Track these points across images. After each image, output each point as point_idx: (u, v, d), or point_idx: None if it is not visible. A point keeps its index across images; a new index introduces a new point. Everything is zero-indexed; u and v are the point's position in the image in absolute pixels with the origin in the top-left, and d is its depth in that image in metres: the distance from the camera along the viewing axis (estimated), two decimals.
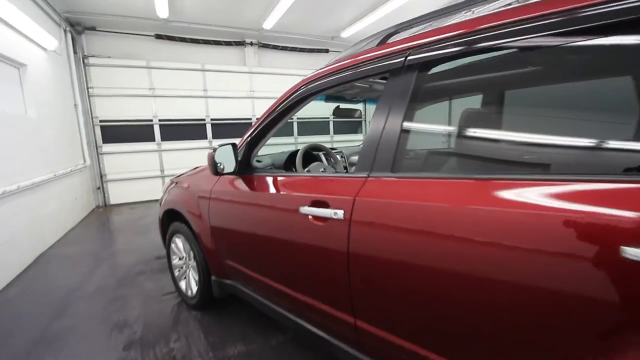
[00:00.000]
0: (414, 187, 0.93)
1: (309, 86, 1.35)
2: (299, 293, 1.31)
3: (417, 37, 1.00)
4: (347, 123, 7.64)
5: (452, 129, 1.02)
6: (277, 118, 1.48)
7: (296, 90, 1.39)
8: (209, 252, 1.82)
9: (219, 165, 1.43)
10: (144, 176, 5.71)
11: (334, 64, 1.28)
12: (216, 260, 1.79)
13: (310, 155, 2.09)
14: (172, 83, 5.74)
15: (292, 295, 1.34)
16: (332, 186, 1.16)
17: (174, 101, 5.79)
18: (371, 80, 1.71)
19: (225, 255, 1.72)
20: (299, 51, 6.89)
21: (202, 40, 5.95)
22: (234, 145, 1.51)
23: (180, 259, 2.19)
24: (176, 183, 2.17)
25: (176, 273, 2.26)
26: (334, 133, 7.48)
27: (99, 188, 5.53)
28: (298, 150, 1.96)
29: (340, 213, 1.05)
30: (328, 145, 2.24)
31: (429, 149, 1.12)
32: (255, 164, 1.77)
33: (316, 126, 7.25)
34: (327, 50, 7.12)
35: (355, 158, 2.45)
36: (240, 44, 6.30)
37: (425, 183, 0.92)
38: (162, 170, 5.86)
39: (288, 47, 6.75)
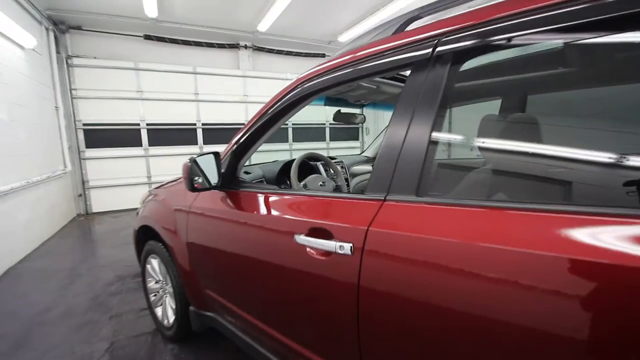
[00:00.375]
0: (449, 217, 0.69)
1: (306, 85, 1.11)
2: (292, 340, 1.06)
3: (451, 21, 0.77)
4: (345, 129, 7.43)
5: (501, 141, 0.78)
6: (269, 123, 1.24)
7: (291, 91, 1.15)
8: (186, 279, 1.56)
9: (196, 179, 1.18)
10: (129, 183, 5.40)
11: (336, 59, 1.05)
12: (195, 288, 1.53)
13: (307, 165, 1.85)
14: (161, 86, 5.47)
15: (284, 342, 1.08)
16: (336, 210, 0.92)
17: (163, 105, 5.52)
18: (379, 80, 1.49)
19: (205, 284, 1.46)
20: (294, 55, 6.69)
21: (193, 42, 5.71)
22: (216, 154, 1.26)
23: (156, 282, 1.92)
24: (154, 195, 1.90)
25: (152, 298, 1.98)
26: (331, 140, 7.25)
27: (80, 195, 5.21)
28: (293, 160, 1.71)
29: (347, 247, 0.81)
30: (324, 153, 2.00)
31: (469, 167, 0.87)
32: (242, 176, 1.53)
33: (312, 132, 7.02)
34: (323, 55, 6.92)
35: (357, 168, 2.21)
36: (234, 46, 6.08)
37: (464, 213, 0.67)
38: (149, 177, 5.56)
39: (283, 50, 6.55)
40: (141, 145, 5.45)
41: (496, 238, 0.60)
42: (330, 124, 7.12)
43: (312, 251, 0.91)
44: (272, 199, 1.14)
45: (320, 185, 1.55)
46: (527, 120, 0.77)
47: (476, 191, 0.80)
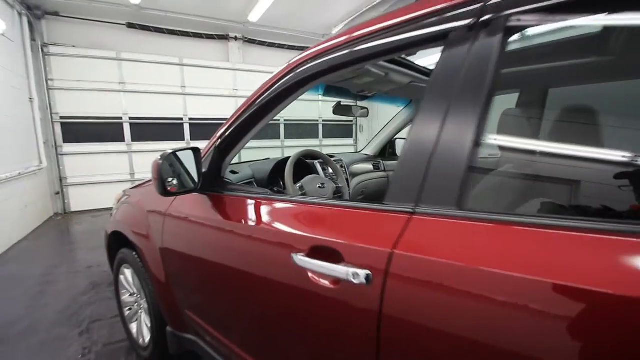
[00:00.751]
0: (509, 239, 0.50)
1: (306, 67, 0.90)
2: None
3: None
4: (338, 126, 7.23)
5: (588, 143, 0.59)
6: (260, 113, 1.03)
7: (286, 74, 0.95)
8: (162, 293, 1.34)
9: (169, 180, 0.96)
10: (110, 180, 5.10)
11: (345, 34, 0.85)
12: (171, 305, 1.31)
13: (302, 164, 1.65)
14: (145, 77, 5.17)
15: None
16: (346, 223, 0.72)
17: (147, 97, 5.22)
18: (388, 66, 1.28)
19: (184, 302, 1.24)
20: (287, 48, 6.44)
21: (180, 31, 5.42)
22: (196, 150, 1.05)
23: (131, 294, 1.70)
24: (128, 196, 1.68)
25: (126, 312, 1.75)
26: (324, 137, 7.05)
27: (57, 193, 4.89)
28: (287, 158, 1.51)
29: (362, 275, 0.61)
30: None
31: (529, 172, 0.67)
32: (228, 176, 1.31)
33: (304, 129, 6.80)
34: None
35: (357, 167, 2.01)
36: (224, 37, 5.80)
37: (528, 235, 0.49)
38: (132, 174, 5.27)
39: (276, 43, 6.30)
40: (124, 141, 5.15)
41: (573, 273, 0.42)
42: (323, 120, 6.91)
43: (315, 277, 0.71)
44: (264, 206, 0.93)
45: (319, 187, 1.35)
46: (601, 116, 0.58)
47: (542, 205, 0.61)
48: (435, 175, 0.59)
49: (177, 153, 0.99)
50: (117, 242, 1.71)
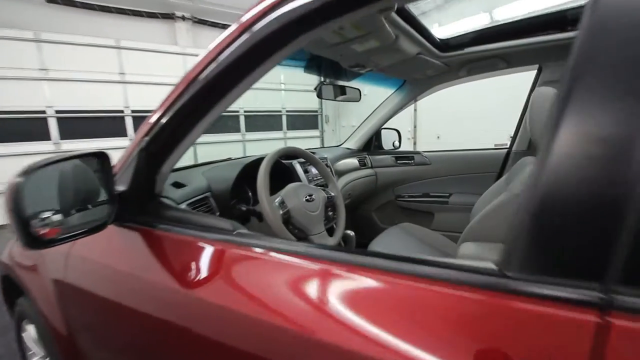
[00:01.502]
0: None
1: (293, 6, 0.50)
2: None
3: None
4: (302, 117, 6.79)
5: None
6: (215, 91, 0.61)
7: (257, 20, 0.54)
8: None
9: (42, 217, 0.51)
10: None
11: None
12: None
13: (279, 167, 1.24)
14: (74, 63, 4.35)
15: None
16: (426, 314, 0.34)
17: (77, 86, 4.40)
18: (404, 26, 0.89)
19: None
20: None
21: (114, 8, 4.63)
22: (101, 156, 0.60)
23: (42, 358, 1.21)
24: None
25: None
26: (288, 129, 6.58)
27: None
28: (258, 159, 1.09)
29: None
30: (281, 145, 1.35)
31: None
32: (168, 193, 0.87)
33: (266, 120, 6.27)
34: None
35: (342, 163, 1.62)
36: (169, 17, 5.08)
37: None
38: None
39: (230, 25, 5.68)
40: (49, 139, 4.31)
41: None
42: (287, 110, 6.43)
43: None
44: (235, 257, 0.52)
45: (306, 200, 0.96)
46: None
47: None
48: None
49: (60, 163, 0.54)
50: (14, 288, 1.20)
